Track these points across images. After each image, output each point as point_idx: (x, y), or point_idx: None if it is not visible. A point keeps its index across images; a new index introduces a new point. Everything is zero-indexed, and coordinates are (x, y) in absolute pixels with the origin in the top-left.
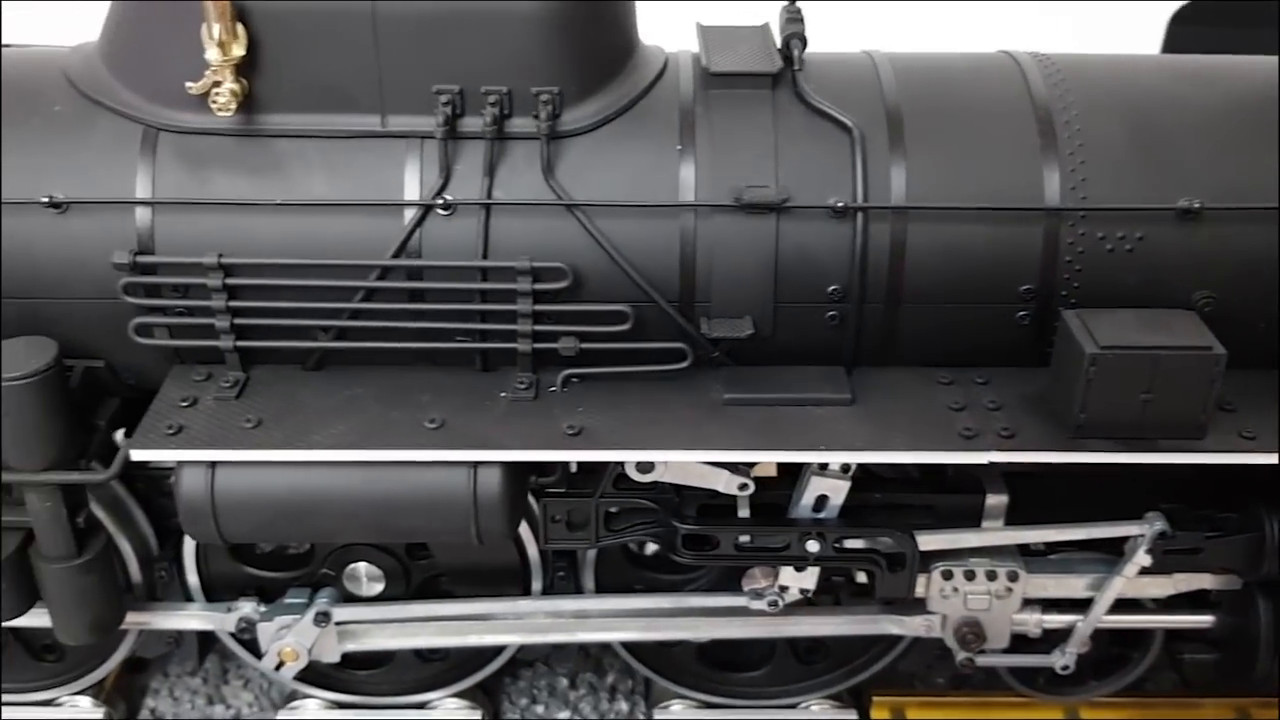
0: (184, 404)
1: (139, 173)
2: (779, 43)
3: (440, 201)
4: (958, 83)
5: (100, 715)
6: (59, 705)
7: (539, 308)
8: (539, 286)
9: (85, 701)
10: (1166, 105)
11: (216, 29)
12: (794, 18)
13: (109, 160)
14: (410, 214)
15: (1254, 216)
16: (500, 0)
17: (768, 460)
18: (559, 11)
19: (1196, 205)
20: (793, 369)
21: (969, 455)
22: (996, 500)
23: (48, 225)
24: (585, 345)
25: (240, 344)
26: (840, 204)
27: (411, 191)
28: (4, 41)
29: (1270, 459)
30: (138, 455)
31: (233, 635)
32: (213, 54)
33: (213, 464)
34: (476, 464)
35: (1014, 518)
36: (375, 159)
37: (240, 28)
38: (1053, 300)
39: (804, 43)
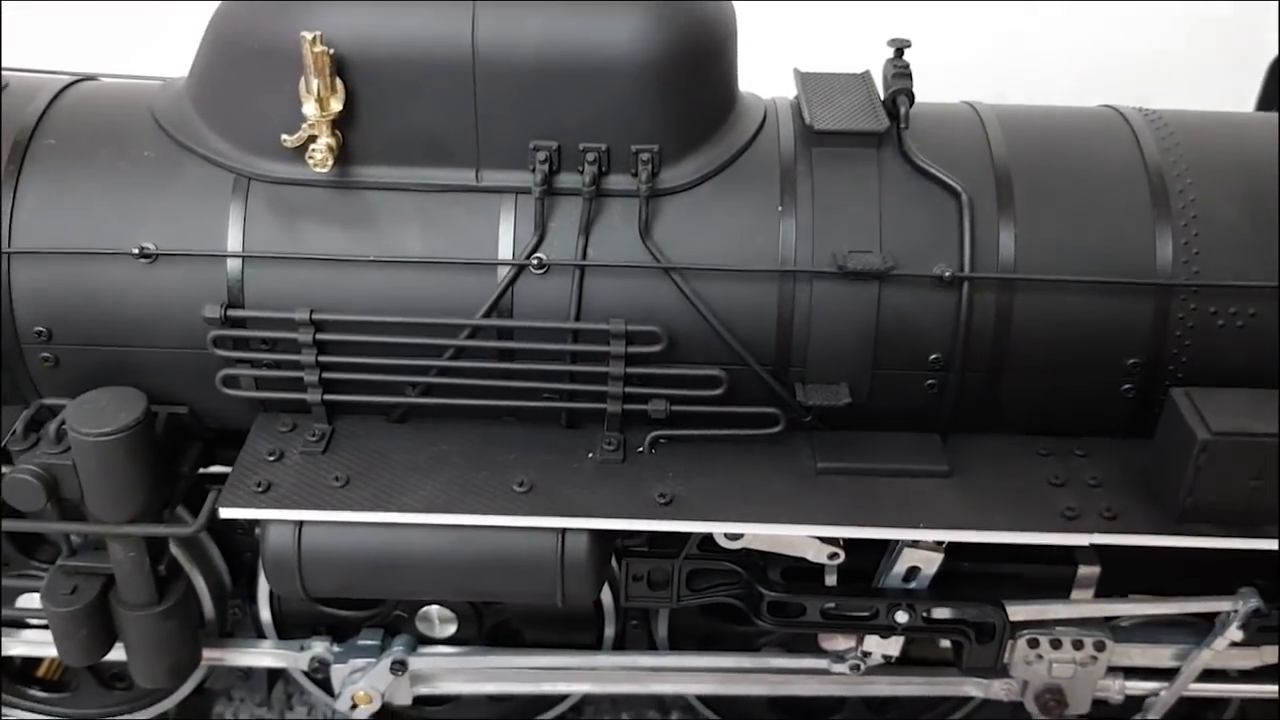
0: (271, 458)
1: (230, 223)
2: (882, 94)
3: (533, 262)
4: (1067, 141)
5: None
6: None
7: (631, 370)
8: (633, 350)
9: None
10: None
11: (315, 84)
12: (901, 72)
13: (199, 209)
14: (504, 271)
15: None
16: (601, 55)
17: (865, 535)
18: (660, 68)
19: None
20: (887, 435)
21: (1071, 537)
22: (1088, 571)
23: (137, 274)
24: (675, 407)
25: (328, 397)
26: (947, 273)
27: (505, 248)
28: (87, 72)
29: None
30: (228, 513)
31: (305, 673)
32: (310, 109)
33: (300, 523)
34: (564, 530)
35: (1103, 585)
36: (469, 214)
37: (339, 82)
38: (1159, 373)
39: (911, 99)
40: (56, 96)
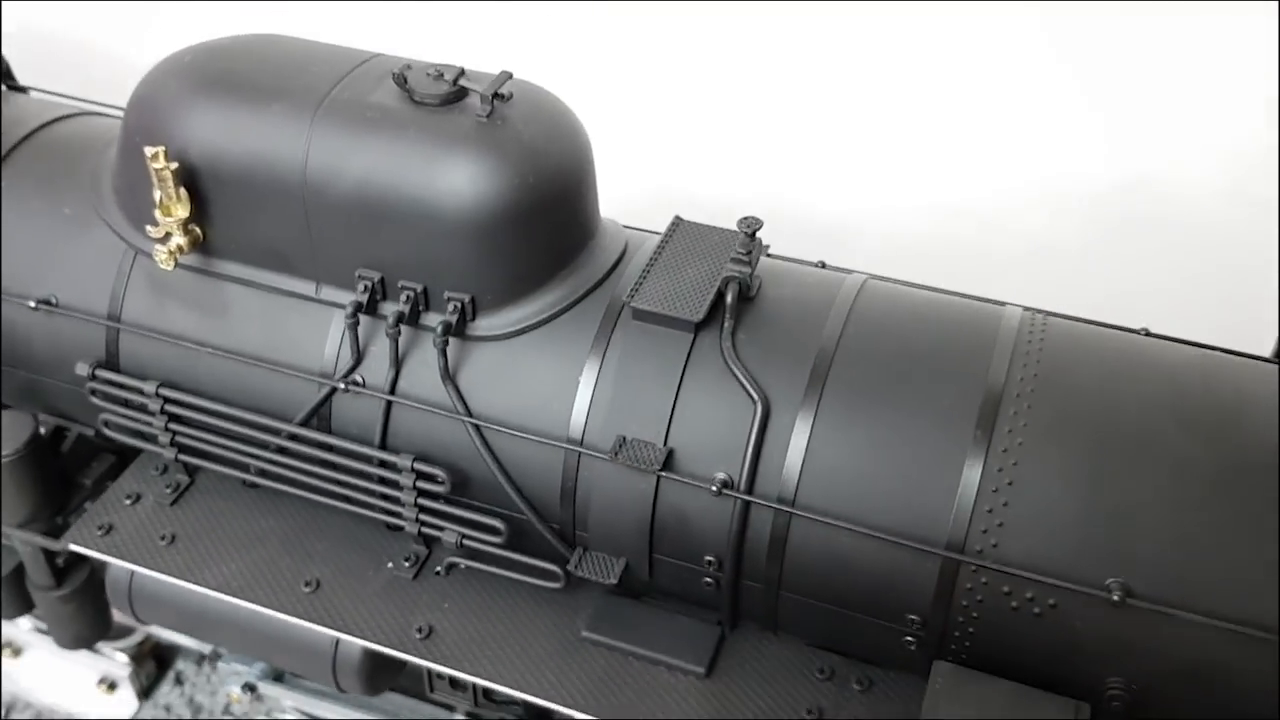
0: (128, 500)
1: (112, 292)
2: (738, 254)
3: (342, 385)
4: (911, 345)
5: (126, 671)
6: (97, 651)
7: (421, 501)
8: (420, 485)
9: (121, 656)
10: (1150, 446)
11: (158, 194)
12: (739, 258)
13: (95, 273)
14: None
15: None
16: (418, 203)
17: None
18: (478, 225)
19: (1120, 598)
20: (670, 617)
21: None
22: None
23: (41, 318)
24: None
25: (181, 457)
26: (714, 487)
27: (330, 361)
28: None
29: None
30: (73, 547)
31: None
32: (158, 213)
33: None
34: (337, 639)
35: None
36: (306, 322)
37: (183, 192)
38: (944, 639)
39: (742, 288)
40: (37, 130)
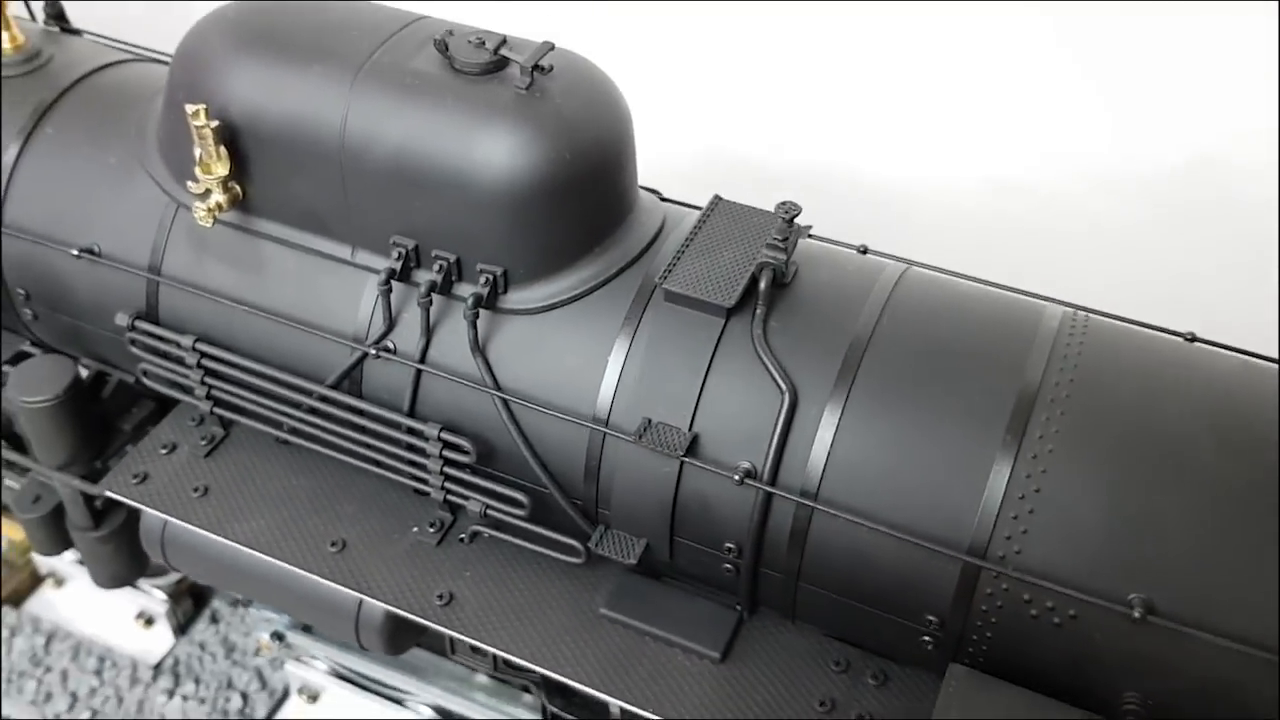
0: (164, 450)
1: (153, 244)
2: (774, 239)
3: (373, 351)
4: (947, 338)
5: (164, 608)
6: (136, 587)
7: (447, 470)
8: (446, 454)
9: (159, 593)
10: (1183, 461)
11: (198, 152)
12: (775, 244)
13: (137, 224)
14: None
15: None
16: (454, 173)
17: (602, 699)
18: (512, 198)
19: (1142, 615)
20: (689, 597)
21: None
22: None
23: (83, 267)
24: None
25: (216, 410)
26: (738, 477)
27: (363, 325)
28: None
29: None
30: (108, 494)
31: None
32: (198, 170)
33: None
34: (361, 600)
35: None
36: (340, 284)
37: (223, 150)
38: (961, 642)
39: (777, 274)
40: (88, 75)
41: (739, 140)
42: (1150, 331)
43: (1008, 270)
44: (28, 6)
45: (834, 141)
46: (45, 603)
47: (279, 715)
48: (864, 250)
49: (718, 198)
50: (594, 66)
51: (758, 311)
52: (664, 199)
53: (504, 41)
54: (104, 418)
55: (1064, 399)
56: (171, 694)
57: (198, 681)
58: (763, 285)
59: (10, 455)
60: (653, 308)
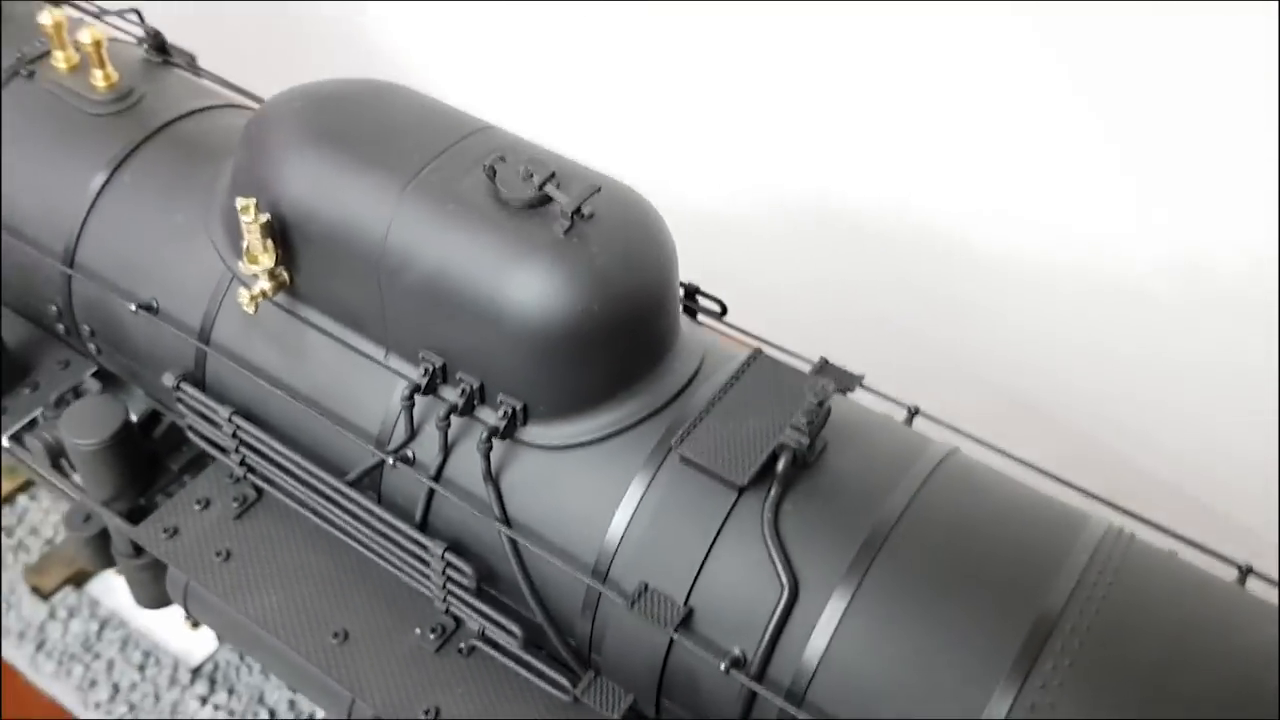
0: (198, 505)
1: (206, 310)
2: (798, 421)
3: (391, 461)
4: (971, 538)
5: None
6: None
7: (449, 587)
8: (449, 573)
9: None
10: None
11: (245, 243)
12: (800, 426)
13: (194, 287)
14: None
15: None
16: (484, 303)
17: None
18: (536, 339)
19: None
20: None
21: None
22: None
23: (143, 319)
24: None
25: (249, 476)
26: (724, 666)
27: (391, 425)
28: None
29: None
30: (139, 541)
31: None
32: (243, 261)
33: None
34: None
35: None
36: (371, 383)
37: (270, 243)
38: None
39: (796, 457)
40: (172, 123)
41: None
42: (1195, 568)
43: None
44: (140, 19)
45: (914, 175)
46: (106, 587)
47: None
48: (914, 413)
49: (758, 352)
50: (642, 209)
51: (771, 494)
52: (722, 316)
53: (552, 176)
54: (154, 455)
55: (1085, 631)
56: (204, 701)
57: (231, 692)
58: (780, 467)
59: (60, 484)
60: (669, 465)
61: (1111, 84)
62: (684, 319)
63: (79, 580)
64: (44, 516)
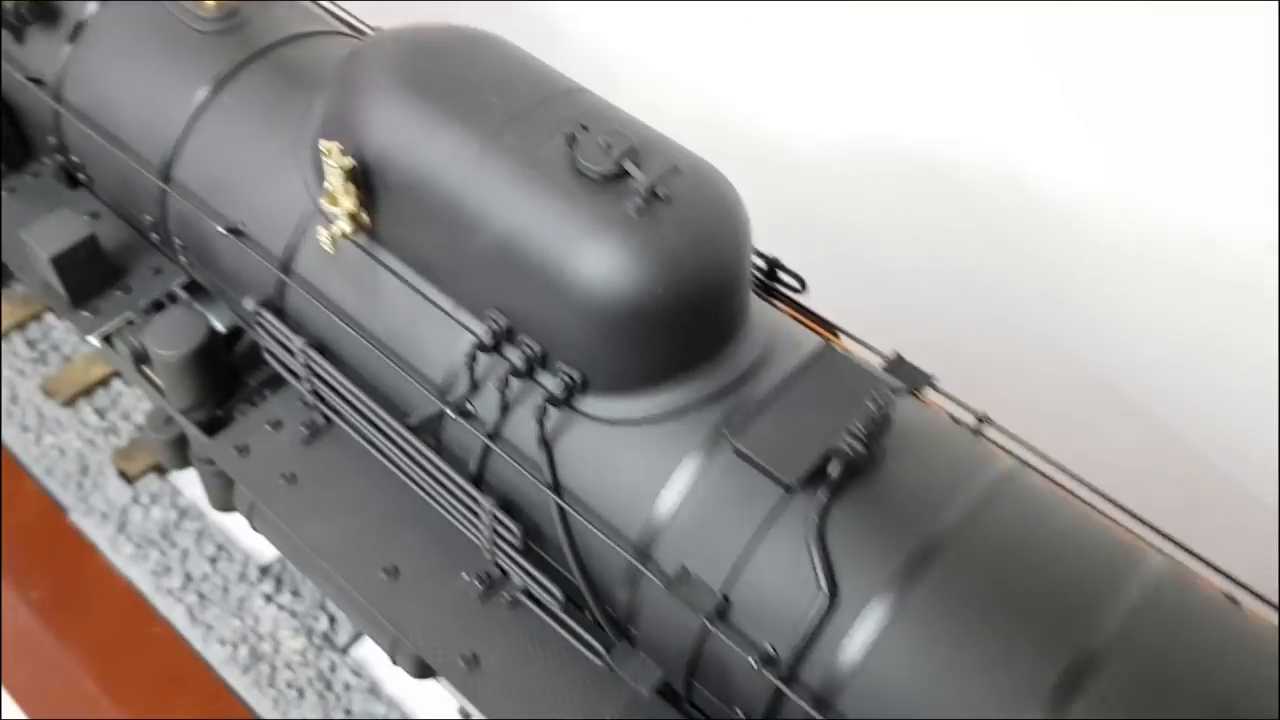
0: (269, 426)
1: (289, 240)
2: (855, 428)
3: (451, 413)
4: (1030, 569)
5: None
6: None
7: (497, 542)
8: (497, 529)
9: None
10: None
11: (326, 184)
12: (857, 434)
13: (280, 216)
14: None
15: None
16: (549, 269)
17: None
18: (599, 314)
19: None
20: None
21: None
22: None
23: (230, 240)
24: None
25: (318, 405)
26: (757, 663)
27: (455, 375)
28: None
29: None
30: (211, 455)
31: None
32: (324, 199)
33: None
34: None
35: None
36: (441, 333)
37: (351, 187)
38: None
39: (849, 465)
40: (274, 46)
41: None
42: (1261, 620)
43: None
44: None
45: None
46: (189, 478)
47: (356, 649)
48: (982, 421)
49: (827, 345)
50: (719, 191)
51: (820, 497)
52: (797, 301)
53: (631, 150)
54: (234, 368)
55: (1115, 692)
56: (269, 599)
57: (295, 593)
58: (831, 474)
59: (144, 387)
60: (721, 454)
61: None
62: (755, 299)
63: (163, 469)
64: (135, 403)
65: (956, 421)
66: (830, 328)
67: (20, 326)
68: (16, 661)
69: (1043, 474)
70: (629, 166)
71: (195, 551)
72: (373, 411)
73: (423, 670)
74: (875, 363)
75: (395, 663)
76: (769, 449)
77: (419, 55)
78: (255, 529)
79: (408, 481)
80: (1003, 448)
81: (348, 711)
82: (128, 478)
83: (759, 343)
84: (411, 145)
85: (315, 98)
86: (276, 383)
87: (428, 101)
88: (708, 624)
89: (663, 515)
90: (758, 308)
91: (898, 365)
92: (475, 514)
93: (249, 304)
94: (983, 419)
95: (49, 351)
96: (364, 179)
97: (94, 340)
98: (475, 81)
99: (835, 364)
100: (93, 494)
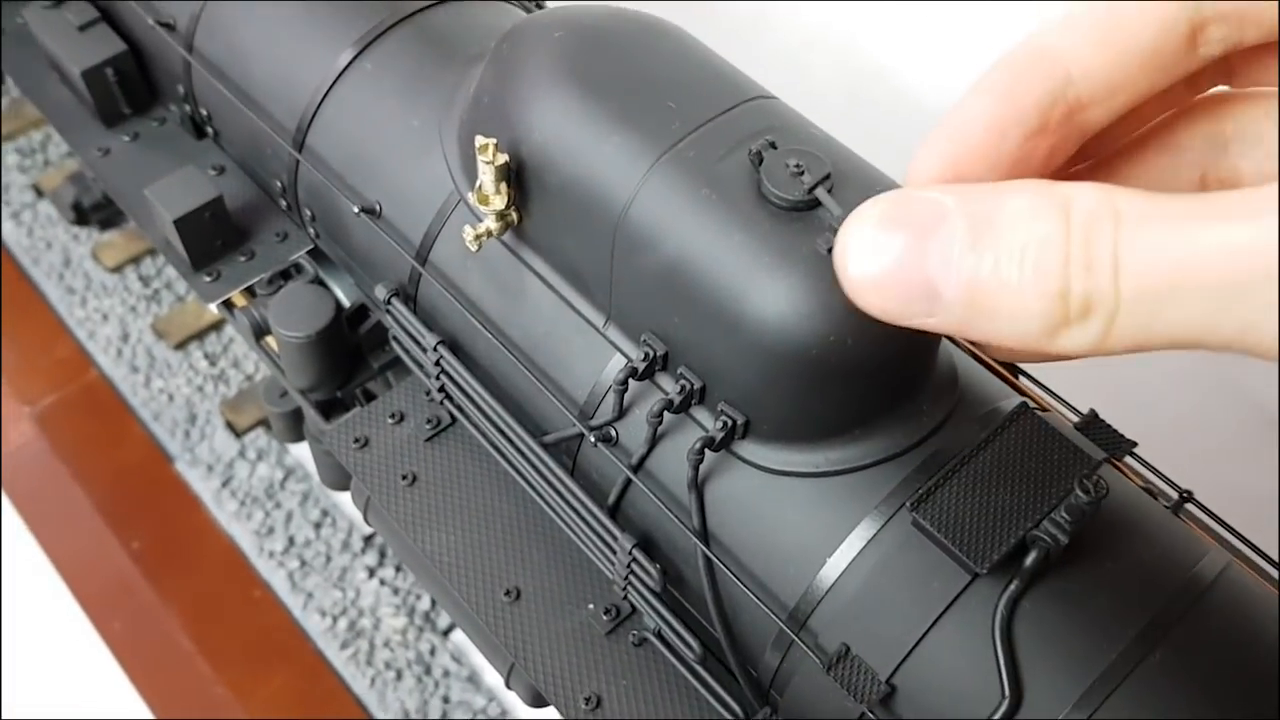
0: (391, 419)
1: (429, 228)
2: (1062, 518)
3: (592, 439)
4: (1241, 690)
5: None
6: None
7: (631, 579)
8: (634, 568)
9: None
10: None
11: (479, 181)
12: (1062, 523)
13: (420, 201)
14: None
15: None
16: (717, 304)
17: None
18: (772, 359)
19: None
20: None
21: None
22: None
23: (364, 219)
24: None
25: (445, 404)
26: None
27: (599, 396)
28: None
29: None
30: (328, 447)
31: None
32: (473, 196)
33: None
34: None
35: None
36: (587, 348)
37: (504, 186)
38: None
39: (1049, 552)
40: (425, 9)
41: None
42: None
43: None
44: None
45: None
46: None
47: (457, 633)
48: (1185, 498)
49: (1024, 406)
50: None
51: (1012, 588)
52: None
53: (827, 178)
54: (357, 348)
55: None
56: (372, 573)
57: (399, 569)
58: (1028, 563)
59: (263, 360)
60: (898, 522)
61: None
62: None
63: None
64: (247, 351)
65: (1153, 495)
66: (1013, 369)
67: (135, 260)
68: (114, 611)
69: (1243, 556)
70: (822, 196)
71: (299, 515)
72: (506, 424)
73: (539, 701)
74: (1066, 416)
75: (509, 687)
76: (955, 525)
77: (588, 44)
78: (369, 524)
79: (536, 497)
80: (1204, 527)
81: (445, 699)
82: (235, 430)
83: (946, 396)
84: (576, 148)
85: (466, 72)
86: (399, 365)
87: (597, 100)
88: (867, 713)
89: (825, 581)
90: (944, 350)
91: (1092, 425)
92: (611, 549)
93: (380, 291)
94: (1186, 497)
95: (162, 290)
96: (518, 176)
97: (213, 309)
98: (650, 80)
99: (1033, 430)
100: (199, 444)
